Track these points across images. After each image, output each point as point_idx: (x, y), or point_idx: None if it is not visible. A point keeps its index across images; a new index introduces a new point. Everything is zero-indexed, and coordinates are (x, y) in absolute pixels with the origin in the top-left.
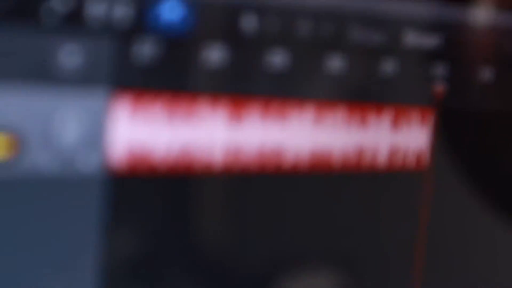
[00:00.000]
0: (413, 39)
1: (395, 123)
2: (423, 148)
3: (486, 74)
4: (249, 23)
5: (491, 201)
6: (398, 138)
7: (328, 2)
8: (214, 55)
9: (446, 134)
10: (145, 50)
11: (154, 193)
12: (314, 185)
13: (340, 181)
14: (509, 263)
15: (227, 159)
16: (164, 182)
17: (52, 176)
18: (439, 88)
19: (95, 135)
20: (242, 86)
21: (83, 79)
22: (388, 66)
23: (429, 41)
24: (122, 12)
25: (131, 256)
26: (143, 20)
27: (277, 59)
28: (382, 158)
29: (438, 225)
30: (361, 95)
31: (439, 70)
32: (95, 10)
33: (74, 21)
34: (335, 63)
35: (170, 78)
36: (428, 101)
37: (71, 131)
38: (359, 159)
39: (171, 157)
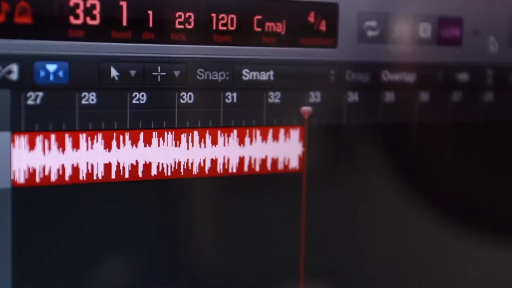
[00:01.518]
0: (249, 74)
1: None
2: (299, 156)
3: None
4: (113, 71)
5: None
6: (280, 149)
7: (176, 50)
8: (88, 98)
9: (314, 145)
10: (34, 98)
11: (49, 200)
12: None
13: (230, 184)
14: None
15: (106, 175)
16: (57, 191)
17: None
18: (306, 110)
19: (3, 160)
20: (113, 120)
21: None
22: (233, 98)
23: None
24: (14, 72)
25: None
26: (29, 77)
27: (138, 97)
28: (265, 164)
29: (314, 215)
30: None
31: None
32: None
33: None
34: (185, 98)
35: (55, 117)
36: (299, 120)
37: None
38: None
39: (60, 174)
